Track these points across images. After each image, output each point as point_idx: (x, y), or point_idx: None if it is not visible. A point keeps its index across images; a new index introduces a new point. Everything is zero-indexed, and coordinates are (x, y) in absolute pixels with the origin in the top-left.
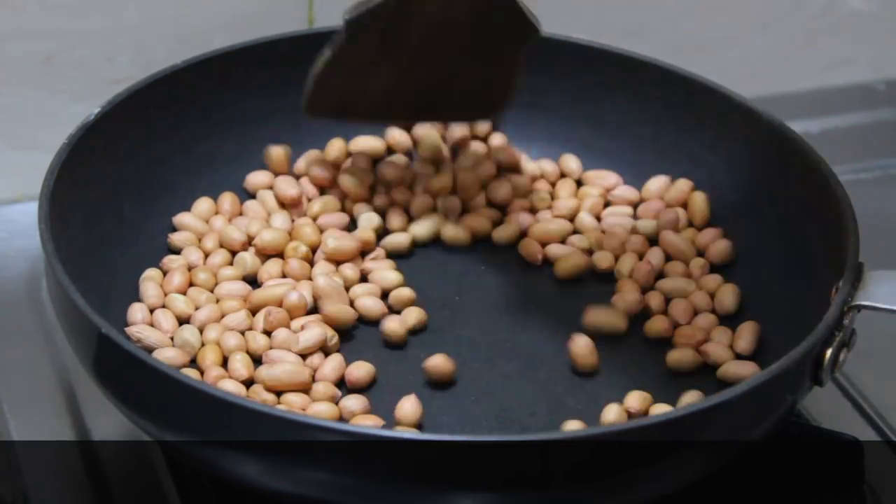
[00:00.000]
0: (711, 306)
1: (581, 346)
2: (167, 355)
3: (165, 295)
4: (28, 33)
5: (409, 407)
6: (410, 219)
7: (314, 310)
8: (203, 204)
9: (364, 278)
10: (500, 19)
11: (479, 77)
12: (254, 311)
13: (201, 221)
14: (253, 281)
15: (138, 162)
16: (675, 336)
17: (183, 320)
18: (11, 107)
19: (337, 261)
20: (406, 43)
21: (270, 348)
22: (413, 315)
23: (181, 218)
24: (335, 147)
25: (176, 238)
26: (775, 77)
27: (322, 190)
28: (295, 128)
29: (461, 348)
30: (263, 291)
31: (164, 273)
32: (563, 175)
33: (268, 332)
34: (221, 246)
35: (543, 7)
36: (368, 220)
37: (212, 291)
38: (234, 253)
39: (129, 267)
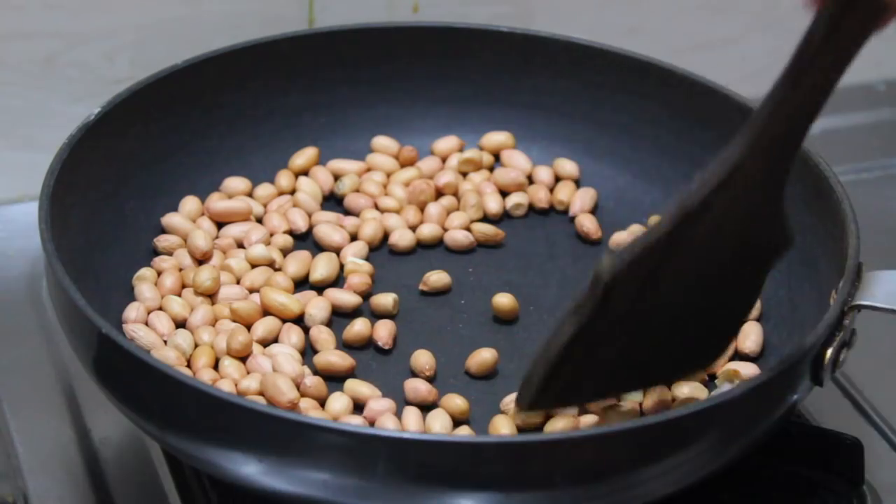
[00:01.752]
0: None
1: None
2: (163, 355)
3: (162, 296)
4: (28, 33)
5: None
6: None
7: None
8: (190, 203)
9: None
10: (763, 234)
11: (719, 304)
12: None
13: (189, 222)
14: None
15: (138, 162)
16: None
17: (178, 322)
18: (11, 107)
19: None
20: (658, 294)
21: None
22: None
23: (169, 219)
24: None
25: (162, 242)
26: (775, 77)
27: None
28: (294, 127)
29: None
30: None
31: (158, 273)
32: (559, 179)
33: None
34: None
35: (544, 7)
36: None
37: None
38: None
39: (130, 267)
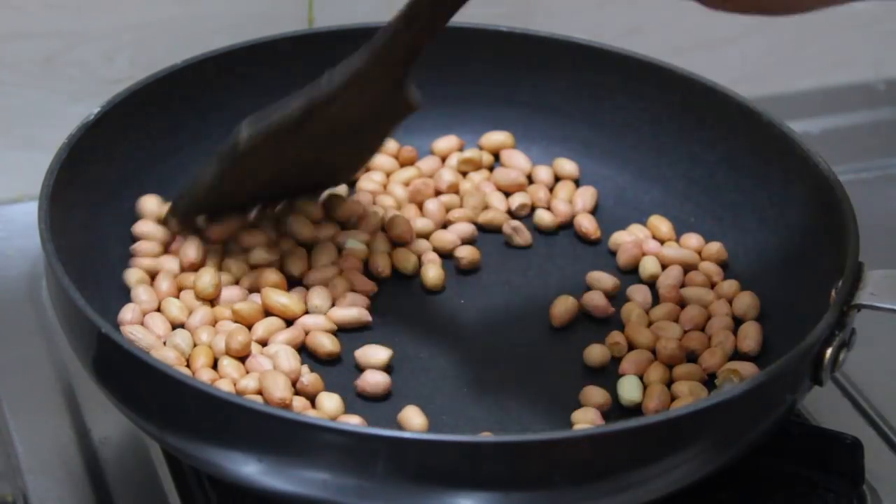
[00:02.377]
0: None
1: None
2: (162, 355)
3: (159, 300)
4: (28, 33)
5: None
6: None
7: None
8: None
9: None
10: (387, 106)
11: (347, 154)
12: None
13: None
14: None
15: (138, 162)
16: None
17: (176, 324)
18: (11, 107)
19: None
20: (290, 144)
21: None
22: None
23: (142, 227)
24: None
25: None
26: (775, 77)
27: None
28: None
29: (460, 349)
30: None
31: (151, 275)
32: (558, 179)
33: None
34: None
35: (543, 7)
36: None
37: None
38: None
39: (129, 267)
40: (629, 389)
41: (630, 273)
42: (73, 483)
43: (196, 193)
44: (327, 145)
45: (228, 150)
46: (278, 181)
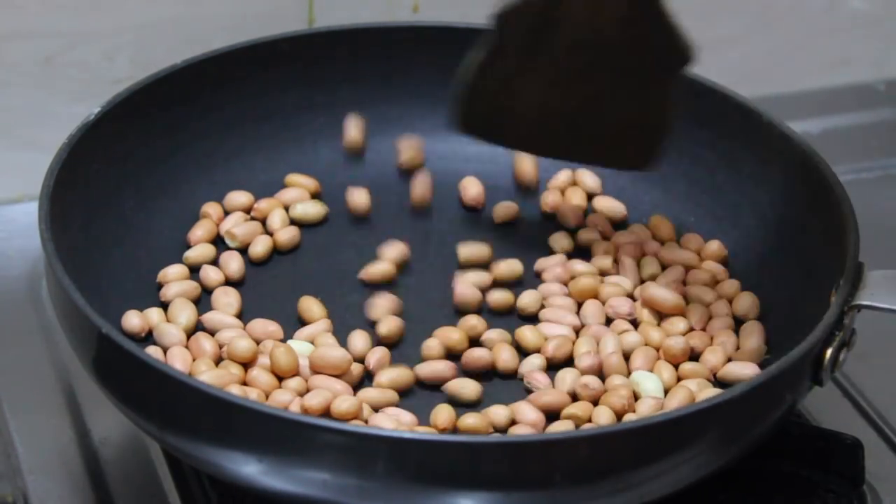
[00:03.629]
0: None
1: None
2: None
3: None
4: (28, 33)
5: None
6: None
7: None
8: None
9: None
10: (649, 37)
11: (626, 111)
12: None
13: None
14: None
15: (138, 162)
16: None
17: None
18: (11, 107)
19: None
20: (553, 52)
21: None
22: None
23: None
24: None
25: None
26: (775, 77)
27: None
28: (294, 127)
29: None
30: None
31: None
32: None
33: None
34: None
35: None
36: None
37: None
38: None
39: (129, 267)
40: (653, 389)
41: None
42: (73, 483)
43: (465, 88)
44: (593, 79)
45: (483, 32)
46: (554, 120)
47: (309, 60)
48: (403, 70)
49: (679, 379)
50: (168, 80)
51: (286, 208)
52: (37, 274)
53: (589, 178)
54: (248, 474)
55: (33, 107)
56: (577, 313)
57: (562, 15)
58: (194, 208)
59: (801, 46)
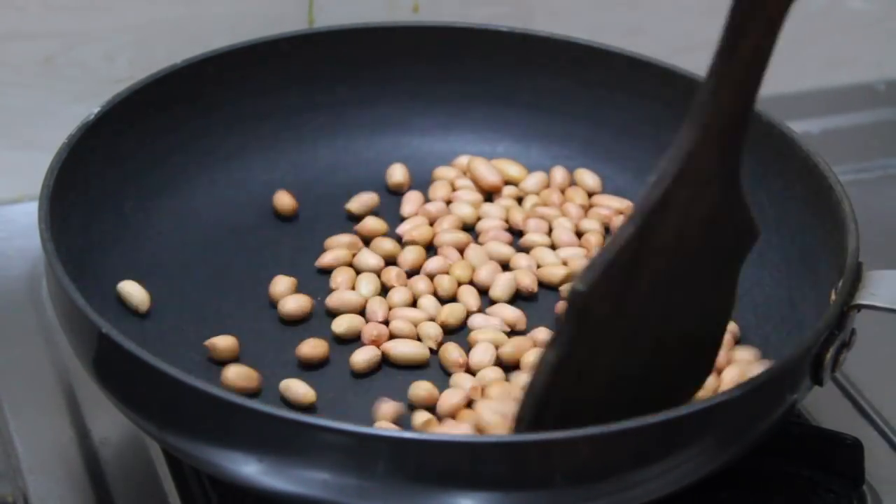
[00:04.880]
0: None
1: None
2: None
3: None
4: (28, 33)
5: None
6: None
7: None
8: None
9: None
10: (729, 227)
11: (700, 310)
12: None
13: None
14: None
15: (138, 162)
16: None
17: None
18: (11, 107)
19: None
20: (636, 301)
21: None
22: None
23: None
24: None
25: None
26: (775, 77)
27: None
28: (294, 127)
29: None
30: None
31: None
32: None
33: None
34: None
35: (543, 7)
36: None
37: None
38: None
39: (129, 267)
40: None
41: None
42: (73, 483)
43: (537, 384)
44: (678, 293)
45: (565, 314)
46: (636, 367)
47: (309, 60)
48: (403, 70)
49: None
50: (168, 80)
51: None
52: (37, 274)
53: (589, 177)
54: (248, 474)
55: (33, 107)
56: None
57: (643, 269)
58: (194, 208)
59: (801, 46)
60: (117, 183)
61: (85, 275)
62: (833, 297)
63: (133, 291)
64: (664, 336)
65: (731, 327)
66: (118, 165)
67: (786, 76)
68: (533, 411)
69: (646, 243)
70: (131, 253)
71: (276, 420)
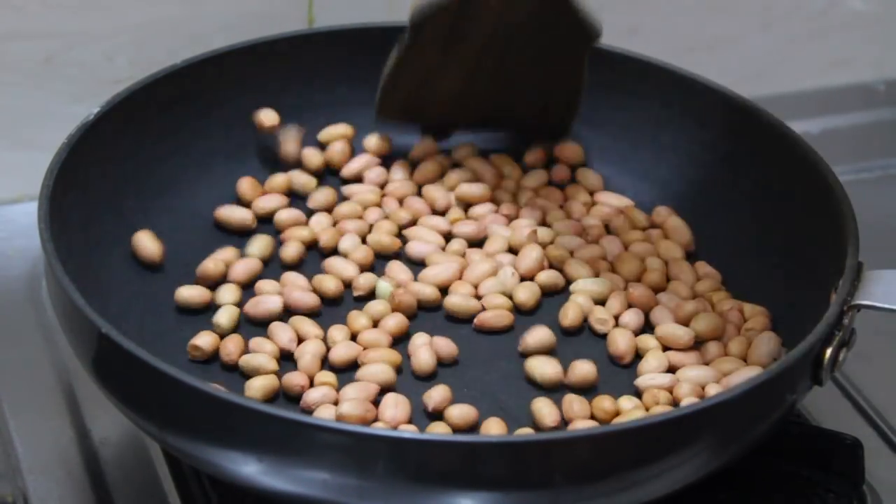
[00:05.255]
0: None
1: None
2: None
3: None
4: (28, 33)
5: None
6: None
7: None
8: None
9: None
10: (559, 22)
11: (543, 85)
12: None
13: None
14: None
15: (138, 162)
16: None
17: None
18: (11, 107)
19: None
20: (470, 44)
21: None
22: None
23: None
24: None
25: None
26: (775, 77)
27: None
28: (294, 126)
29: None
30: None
31: None
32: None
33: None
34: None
35: None
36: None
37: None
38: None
39: (129, 267)
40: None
41: None
42: (73, 483)
43: (384, 82)
44: (509, 63)
45: (402, 33)
46: (473, 98)
47: (309, 60)
48: None
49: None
50: (168, 80)
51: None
52: (37, 274)
53: (591, 176)
54: (248, 474)
55: (33, 107)
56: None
57: (473, 15)
58: (194, 208)
59: (801, 46)
60: (117, 183)
61: (85, 275)
62: (833, 297)
63: (147, 244)
64: (504, 86)
65: (764, 311)
66: (118, 165)
67: (786, 76)
68: (380, 94)
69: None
70: (131, 253)
71: (276, 420)
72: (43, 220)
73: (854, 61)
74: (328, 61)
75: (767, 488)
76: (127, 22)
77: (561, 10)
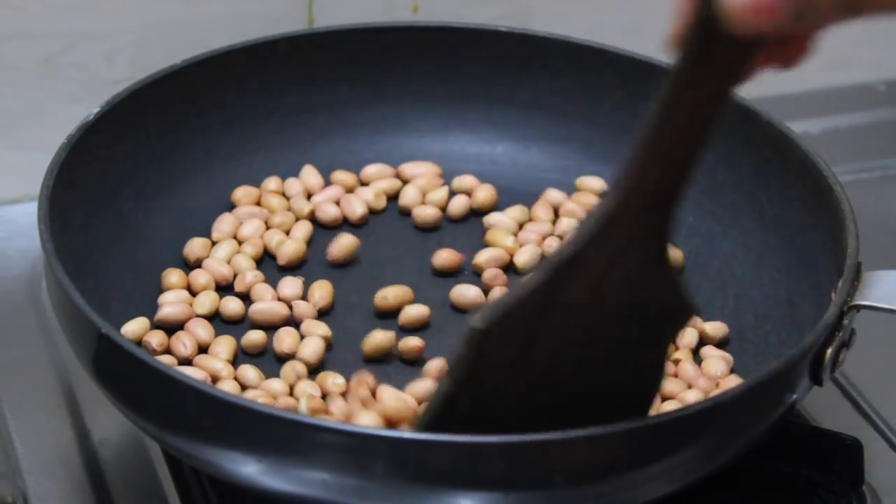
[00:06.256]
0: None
1: None
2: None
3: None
4: (28, 33)
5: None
6: None
7: None
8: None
9: None
10: (652, 300)
11: (621, 377)
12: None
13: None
14: None
15: (138, 162)
16: None
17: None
18: (11, 107)
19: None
20: (544, 344)
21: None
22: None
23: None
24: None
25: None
26: (775, 77)
27: None
28: (294, 127)
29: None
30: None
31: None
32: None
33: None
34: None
35: (543, 7)
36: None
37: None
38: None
39: (129, 267)
40: None
41: None
42: (73, 483)
43: (434, 406)
44: (587, 351)
45: (463, 342)
46: (537, 402)
47: (309, 60)
48: (403, 70)
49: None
50: (168, 80)
51: None
52: (37, 274)
53: (592, 177)
54: (248, 474)
55: (33, 107)
56: None
57: (557, 301)
58: (193, 208)
59: None
60: (117, 183)
61: (85, 275)
62: (833, 297)
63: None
64: (575, 387)
65: (726, 356)
66: (118, 165)
67: (786, 76)
68: (429, 419)
69: (554, 296)
70: (131, 253)
71: (276, 420)
72: (43, 220)
73: (854, 61)
74: (328, 61)
75: (767, 488)
76: (127, 22)
77: (656, 286)
